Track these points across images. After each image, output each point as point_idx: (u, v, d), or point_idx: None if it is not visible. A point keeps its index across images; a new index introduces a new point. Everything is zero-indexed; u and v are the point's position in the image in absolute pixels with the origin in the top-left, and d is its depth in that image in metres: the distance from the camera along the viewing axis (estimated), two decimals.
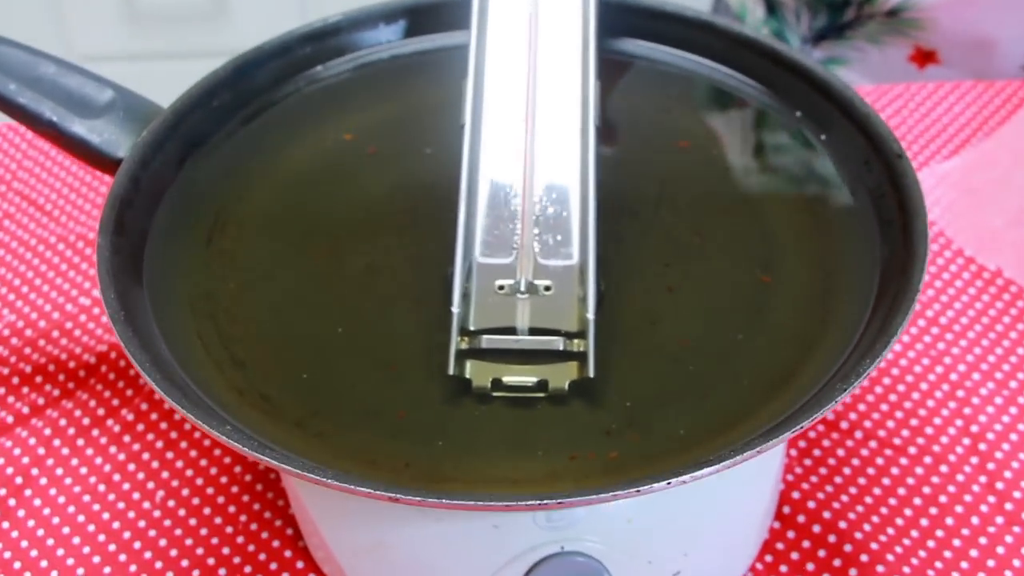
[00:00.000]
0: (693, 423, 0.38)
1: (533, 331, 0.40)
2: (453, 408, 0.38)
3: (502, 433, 0.38)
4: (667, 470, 0.34)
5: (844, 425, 0.49)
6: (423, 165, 0.48)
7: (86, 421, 0.50)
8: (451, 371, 0.38)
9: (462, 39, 0.52)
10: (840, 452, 0.48)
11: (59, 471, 0.48)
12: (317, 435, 0.38)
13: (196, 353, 0.40)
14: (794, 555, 0.45)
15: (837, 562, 0.44)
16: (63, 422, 0.50)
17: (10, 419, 0.50)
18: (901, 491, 0.47)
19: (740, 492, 0.42)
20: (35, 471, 0.48)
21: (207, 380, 0.39)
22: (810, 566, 0.44)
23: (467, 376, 0.38)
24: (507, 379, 0.38)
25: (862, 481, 0.47)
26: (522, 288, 0.40)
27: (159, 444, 0.49)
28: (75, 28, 1.41)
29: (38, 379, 0.52)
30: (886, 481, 0.47)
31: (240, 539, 0.46)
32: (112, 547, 0.45)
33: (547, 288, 0.40)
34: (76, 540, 0.46)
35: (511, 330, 0.40)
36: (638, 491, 0.33)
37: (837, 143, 0.46)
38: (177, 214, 0.45)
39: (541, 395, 0.38)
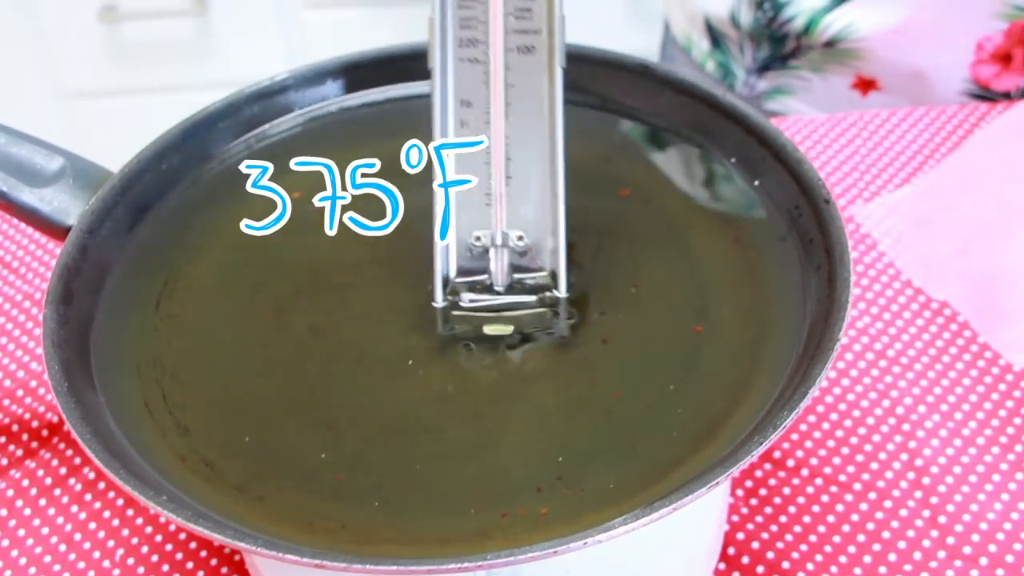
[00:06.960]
0: (623, 476, 0.38)
1: (510, 289, 0.45)
2: (389, 470, 0.39)
3: (436, 493, 0.39)
4: (590, 526, 0.35)
5: (790, 463, 0.50)
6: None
7: (48, 481, 0.51)
8: (439, 330, 0.43)
9: (409, 91, 0.53)
10: (786, 491, 0.49)
11: (21, 532, 0.49)
12: (257, 499, 0.39)
13: (142, 420, 0.41)
14: None
15: None
16: (25, 483, 0.51)
17: None
18: (845, 528, 0.47)
19: (678, 538, 0.43)
20: None
21: (151, 447, 0.40)
22: None
23: (454, 329, 0.43)
24: (488, 329, 0.43)
25: (807, 520, 0.48)
26: (497, 240, 0.44)
27: (119, 502, 0.50)
28: (63, 65, 1.43)
29: (1, 439, 0.53)
30: (830, 519, 0.48)
31: None
32: None
33: (520, 238, 0.44)
34: None
35: (489, 289, 0.45)
36: (555, 552, 0.34)
37: (770, 188, 0.47)
38: (127, 279, 0.46)
39: (521, 342, 0.43)
